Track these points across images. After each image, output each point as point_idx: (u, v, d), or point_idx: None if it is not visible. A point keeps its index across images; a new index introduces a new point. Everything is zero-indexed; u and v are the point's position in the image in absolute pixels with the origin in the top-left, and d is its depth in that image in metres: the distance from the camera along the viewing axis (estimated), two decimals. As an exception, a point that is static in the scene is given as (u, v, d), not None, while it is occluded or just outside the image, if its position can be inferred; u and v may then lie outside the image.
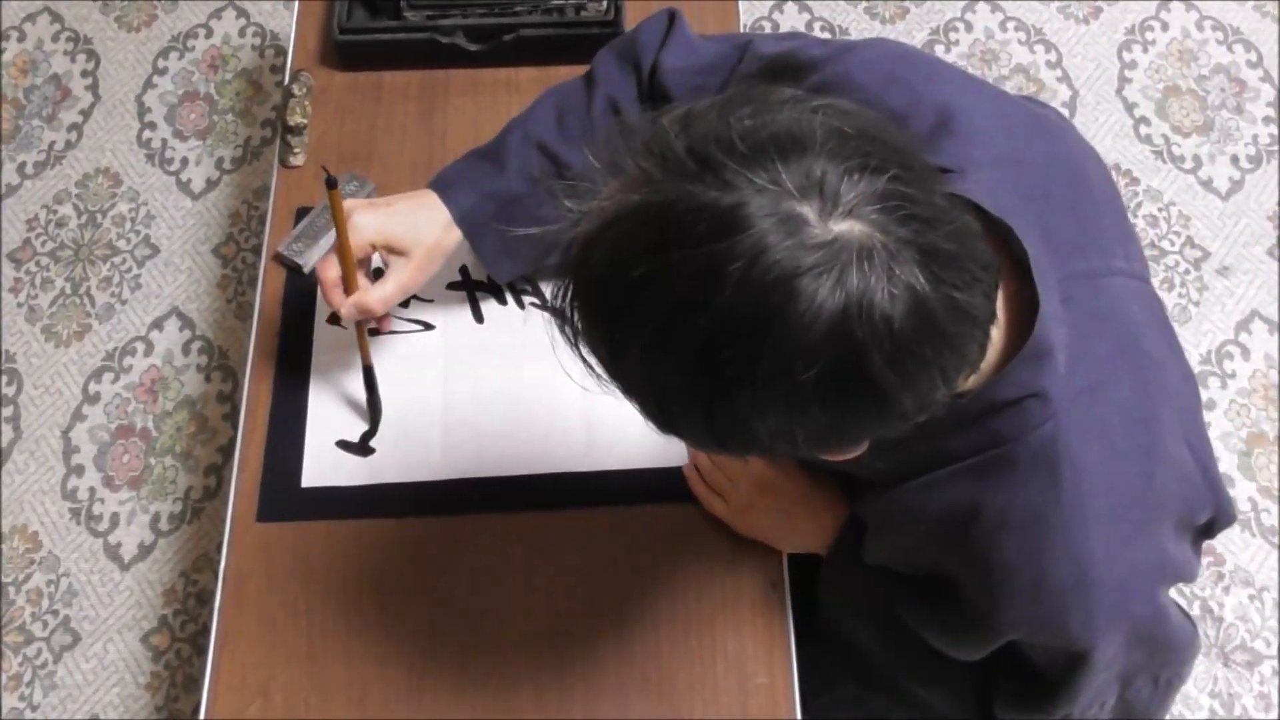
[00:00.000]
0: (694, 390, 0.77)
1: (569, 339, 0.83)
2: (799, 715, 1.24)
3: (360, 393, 1.38)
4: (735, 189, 0.73)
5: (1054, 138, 1.09)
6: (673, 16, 1.31)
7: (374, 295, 1.24)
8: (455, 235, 1.28)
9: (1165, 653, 1.09)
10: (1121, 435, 0.96)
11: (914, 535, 1.06)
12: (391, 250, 1.25)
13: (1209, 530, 1.08)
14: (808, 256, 0.71)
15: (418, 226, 1.26)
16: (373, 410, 1.37)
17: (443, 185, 1.29)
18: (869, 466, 0.89)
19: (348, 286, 1.25)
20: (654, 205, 0.75)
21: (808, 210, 0.72)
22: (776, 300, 0.71)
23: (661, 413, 0.82)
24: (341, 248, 1.22)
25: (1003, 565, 0.97)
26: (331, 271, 1.24)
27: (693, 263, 0.73)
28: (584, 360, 0.83)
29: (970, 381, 0.91)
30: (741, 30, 1.65)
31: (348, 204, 1.24)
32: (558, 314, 0.83)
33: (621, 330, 0.78)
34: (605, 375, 0.83)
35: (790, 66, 1.15)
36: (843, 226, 0.73)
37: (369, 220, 1.23)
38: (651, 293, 0.75)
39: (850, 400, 0.76)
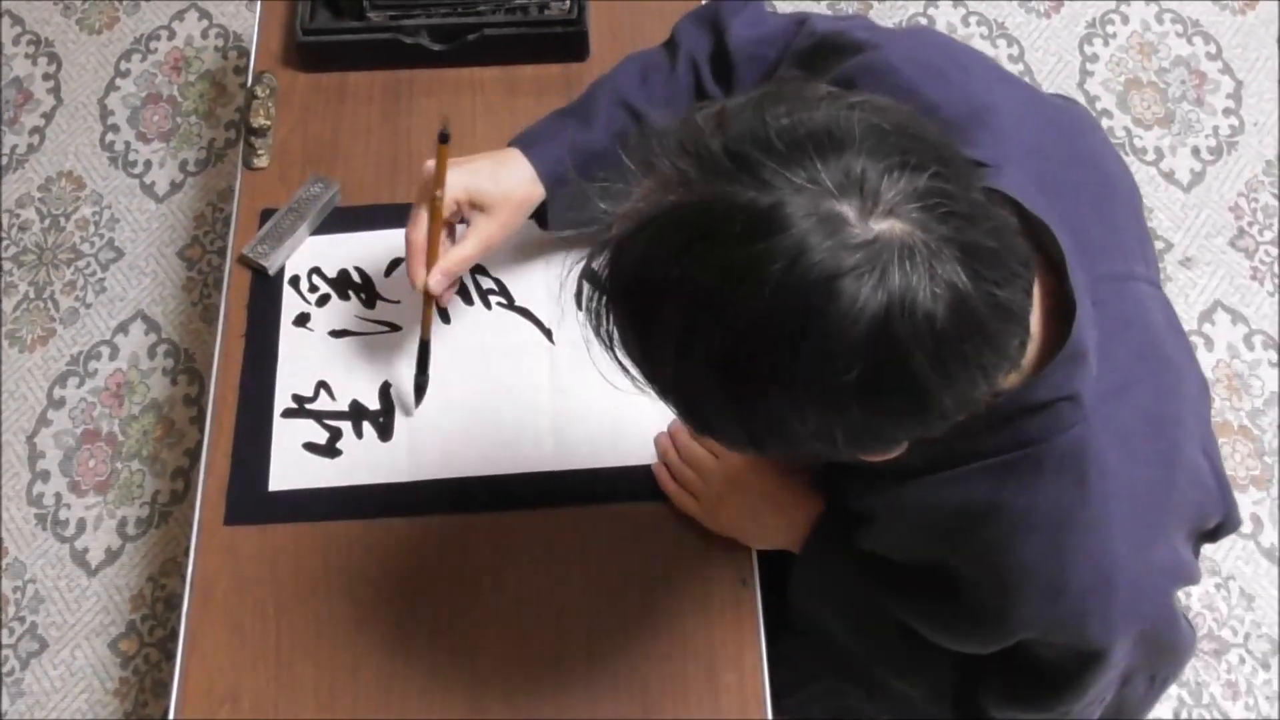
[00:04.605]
0: (729, 391, 0.76)
1: (604, 341, 0.82)
2: (769, 713, 1.25)
3: (328, 395, 1.38)
4: (773, 188, 0.72)
5: (1083, 137, 1.08)
6: None
7: (454, 255, 1.25)
8: (539, 191, 1.27)
9: (1169, 653, 1.09)
10: (1143, 439, 0.95)
11: (926, 529, 1.04)
12: (475, 206, 1.25)
13: (1214, 534, 1.08)
14: (849, 257, 0.71)
15: (502, 181, 1.25)
16: (420, 386, 1.36)
17: (526, 142, 1.28)
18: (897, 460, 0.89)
19: (431, 250, 1.24)
20: (690, 206, 0.74)
21: (847, 209, 0.72)
22: (817, 301, 0.71)
23: (697, 414, 0.81)
24: (434, 207, 1.22)
25: (1021, 565, 0.96)
26: (419, 233, 1.24)
27: (731, 263, 0.72)
28: (619, 362, 0.82)
29: (1006, 382, 0.90)
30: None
31: (426, 165, 1.23)
32: (593, 316, 0.82)
33: (656, 332, 0.77)
34: (640, 377, 0.82)
35: (838, 46, 1.14)
36: (883, 225, 0.72)
37: (454, 177, 1.23)
38: (687, 294, 0.74)
39: (891, 400, 0.75)
